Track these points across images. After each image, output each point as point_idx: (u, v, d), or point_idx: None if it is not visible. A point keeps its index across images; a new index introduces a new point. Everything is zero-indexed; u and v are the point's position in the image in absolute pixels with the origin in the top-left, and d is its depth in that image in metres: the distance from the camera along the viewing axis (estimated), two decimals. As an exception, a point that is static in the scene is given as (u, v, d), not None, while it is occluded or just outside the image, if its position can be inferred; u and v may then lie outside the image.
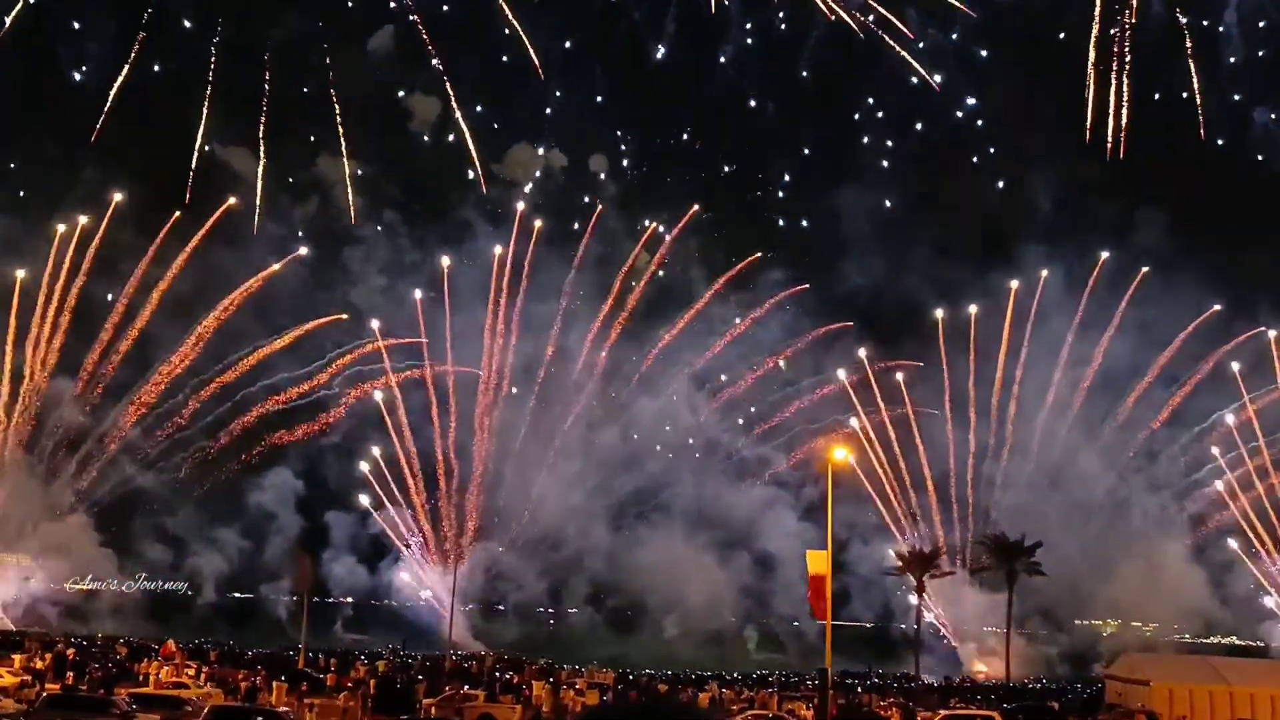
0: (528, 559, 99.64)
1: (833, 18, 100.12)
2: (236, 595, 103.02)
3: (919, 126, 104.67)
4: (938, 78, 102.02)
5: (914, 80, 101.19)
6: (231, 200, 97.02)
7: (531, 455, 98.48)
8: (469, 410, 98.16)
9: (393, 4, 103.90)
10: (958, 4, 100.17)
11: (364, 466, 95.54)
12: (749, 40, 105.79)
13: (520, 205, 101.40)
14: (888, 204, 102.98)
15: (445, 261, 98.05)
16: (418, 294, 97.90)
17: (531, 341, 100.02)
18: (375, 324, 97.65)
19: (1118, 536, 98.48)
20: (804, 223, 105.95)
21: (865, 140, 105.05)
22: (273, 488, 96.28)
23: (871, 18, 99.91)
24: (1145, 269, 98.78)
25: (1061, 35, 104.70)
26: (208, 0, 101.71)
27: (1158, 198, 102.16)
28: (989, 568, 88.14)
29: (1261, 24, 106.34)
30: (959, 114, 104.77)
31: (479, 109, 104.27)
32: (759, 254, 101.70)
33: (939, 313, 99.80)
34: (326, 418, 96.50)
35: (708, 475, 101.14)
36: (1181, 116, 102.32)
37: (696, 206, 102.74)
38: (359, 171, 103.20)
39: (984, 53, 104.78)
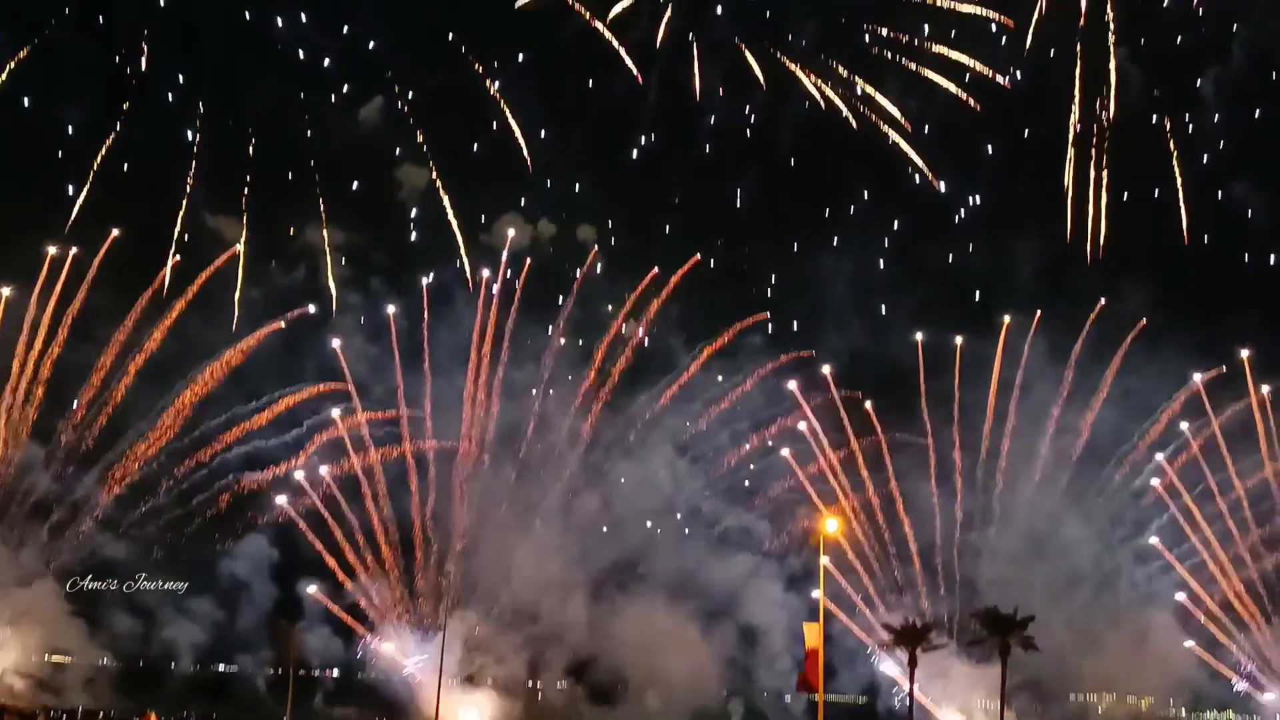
0: (506, 631, 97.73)
1: (821, 104, 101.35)
2: (213, 668, 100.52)
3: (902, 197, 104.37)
4: (943, 184, 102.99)
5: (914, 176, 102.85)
6: (211, 268, 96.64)
7: (511, 525, 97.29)
8: (448, 479, 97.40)
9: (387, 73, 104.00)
10: (964, 97, 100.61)
11: (339, 535, 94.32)
12: (731, 117, 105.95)
13: (498, 273, 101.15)
14: (871, 268, 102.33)
15: (390, 309, 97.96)
16: (396, 360, 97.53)
17: (512, 409, 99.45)
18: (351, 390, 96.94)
19: (1104, 607, 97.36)
20: (784, 288, 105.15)
21: (850, 210, 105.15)
22: (246, 556, 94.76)
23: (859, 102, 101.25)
24: (1143, 321, 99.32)
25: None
26: (195, 70, 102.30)
27: (1140, 270, 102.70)
28: (982, 641, 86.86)
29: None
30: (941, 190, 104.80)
31: (465, 180, 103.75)
32: (764, 314, 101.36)
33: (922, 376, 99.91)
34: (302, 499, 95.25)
35: (690, 544, 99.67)
36: (1163, 213, 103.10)
37: (697, 257, 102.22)
38: (344, 240, 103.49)
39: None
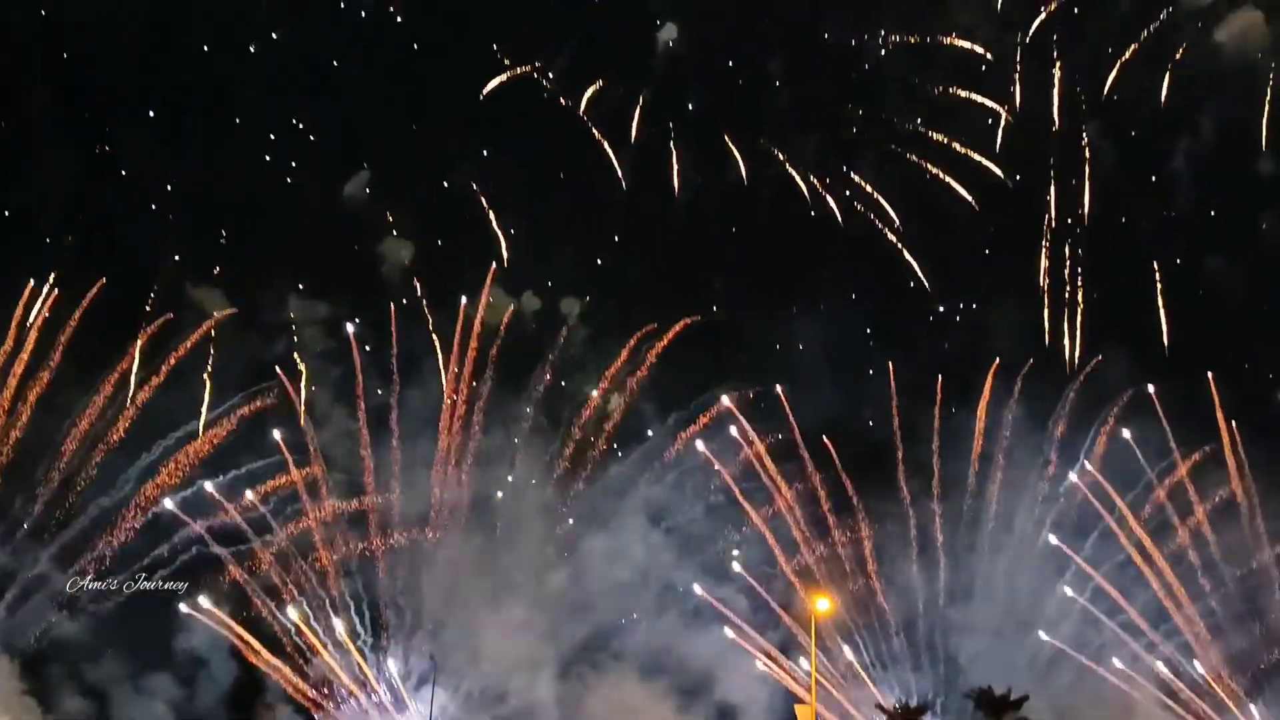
0: (475, 711, 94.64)
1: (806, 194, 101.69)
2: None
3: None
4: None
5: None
6: (181, 349, 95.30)
7: (479, 601, 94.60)
8: (415, 556, 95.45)
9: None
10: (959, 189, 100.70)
11: (293, 614, 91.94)
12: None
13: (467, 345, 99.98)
14: (845, 335, 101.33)
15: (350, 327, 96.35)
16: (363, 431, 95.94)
17: (482, 483, 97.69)
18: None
19: (1088, 685, 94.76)
20: (756, 353, 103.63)
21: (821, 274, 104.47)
22: (204, 632, 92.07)
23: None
24: (1152, 386, 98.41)
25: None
26: (168, 138, 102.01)
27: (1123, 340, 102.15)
28: None
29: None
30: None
31: (444, 254, 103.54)
32: (778, 385, 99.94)
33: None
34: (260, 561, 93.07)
35: (665, 620, 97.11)
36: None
37: (685, 320, 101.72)
38: (324, 314, 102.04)
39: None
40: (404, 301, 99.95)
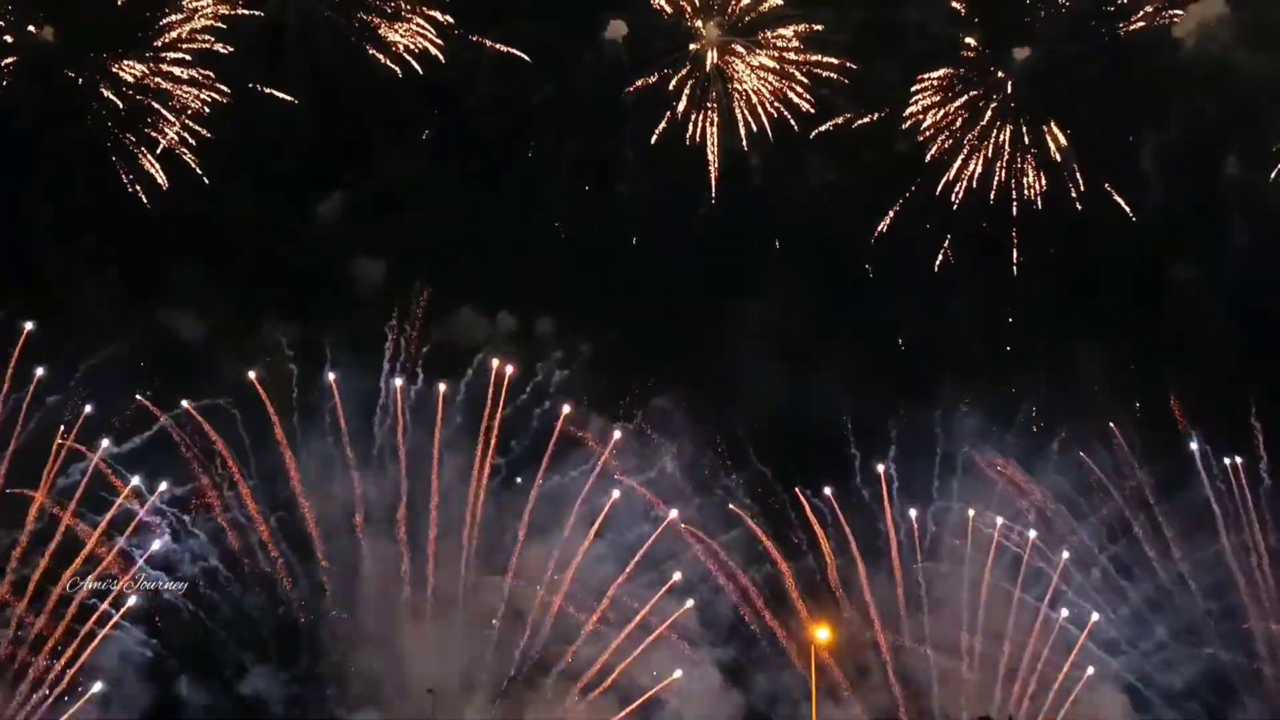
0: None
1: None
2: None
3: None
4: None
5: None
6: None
7: (408, 619, 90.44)
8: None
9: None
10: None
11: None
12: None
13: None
14: (793, 329, 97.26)
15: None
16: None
17: (414, 492, 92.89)
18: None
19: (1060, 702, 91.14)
20: (697, 350, 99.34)
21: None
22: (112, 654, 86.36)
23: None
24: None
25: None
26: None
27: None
28: None
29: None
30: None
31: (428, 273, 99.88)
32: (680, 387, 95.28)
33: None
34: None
35: (609, 636, 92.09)
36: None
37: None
38: (300, 335, 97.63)
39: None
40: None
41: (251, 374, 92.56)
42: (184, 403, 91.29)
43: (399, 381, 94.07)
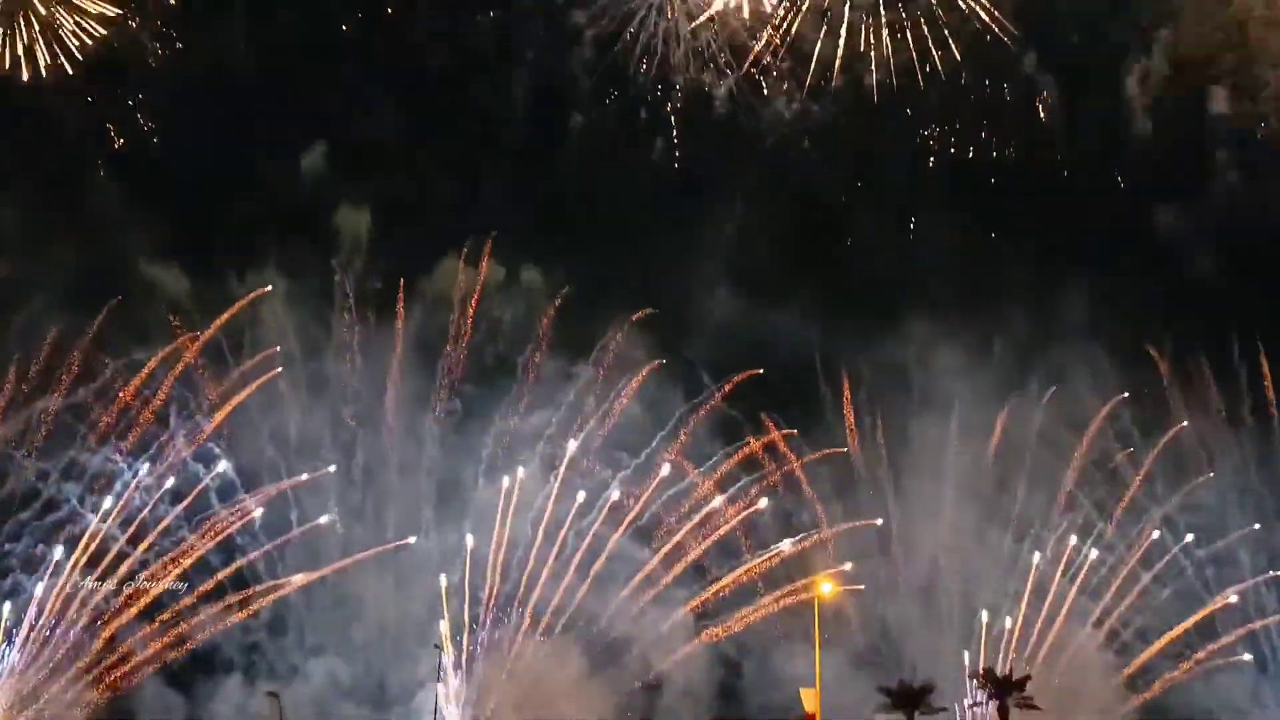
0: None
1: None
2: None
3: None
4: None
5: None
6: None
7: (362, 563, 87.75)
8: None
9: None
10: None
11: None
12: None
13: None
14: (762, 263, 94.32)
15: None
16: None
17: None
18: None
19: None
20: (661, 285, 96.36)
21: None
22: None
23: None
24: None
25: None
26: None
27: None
28: (981, 704, 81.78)
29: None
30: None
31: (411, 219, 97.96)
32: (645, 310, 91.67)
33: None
34: None
35: (574, 580, 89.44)
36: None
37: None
38: (286, 289, 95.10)
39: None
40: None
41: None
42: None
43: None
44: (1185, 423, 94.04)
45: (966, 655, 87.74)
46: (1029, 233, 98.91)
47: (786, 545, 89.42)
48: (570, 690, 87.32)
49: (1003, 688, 77.85)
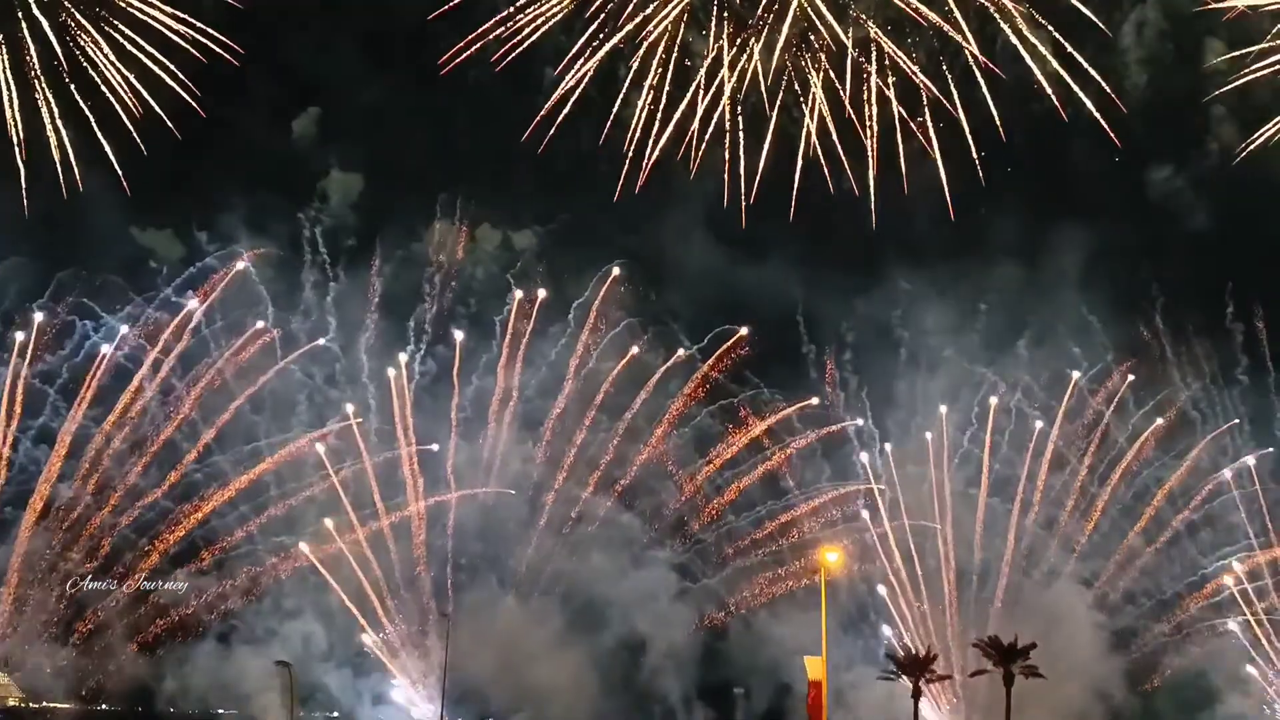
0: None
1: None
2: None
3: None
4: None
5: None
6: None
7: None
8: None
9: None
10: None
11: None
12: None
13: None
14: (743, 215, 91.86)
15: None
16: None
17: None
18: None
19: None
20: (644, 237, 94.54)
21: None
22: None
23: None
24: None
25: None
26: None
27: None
28: (985, 671, 79.40)
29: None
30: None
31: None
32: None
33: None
34: None
35: (549, 542, 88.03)
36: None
37: None
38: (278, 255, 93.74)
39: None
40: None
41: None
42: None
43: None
44: (1181, 391, 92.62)
45: (949, 617, 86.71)
46: (1020, 187, 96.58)
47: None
48: (549, 652, 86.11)
49: (1006, 655, 76.19)
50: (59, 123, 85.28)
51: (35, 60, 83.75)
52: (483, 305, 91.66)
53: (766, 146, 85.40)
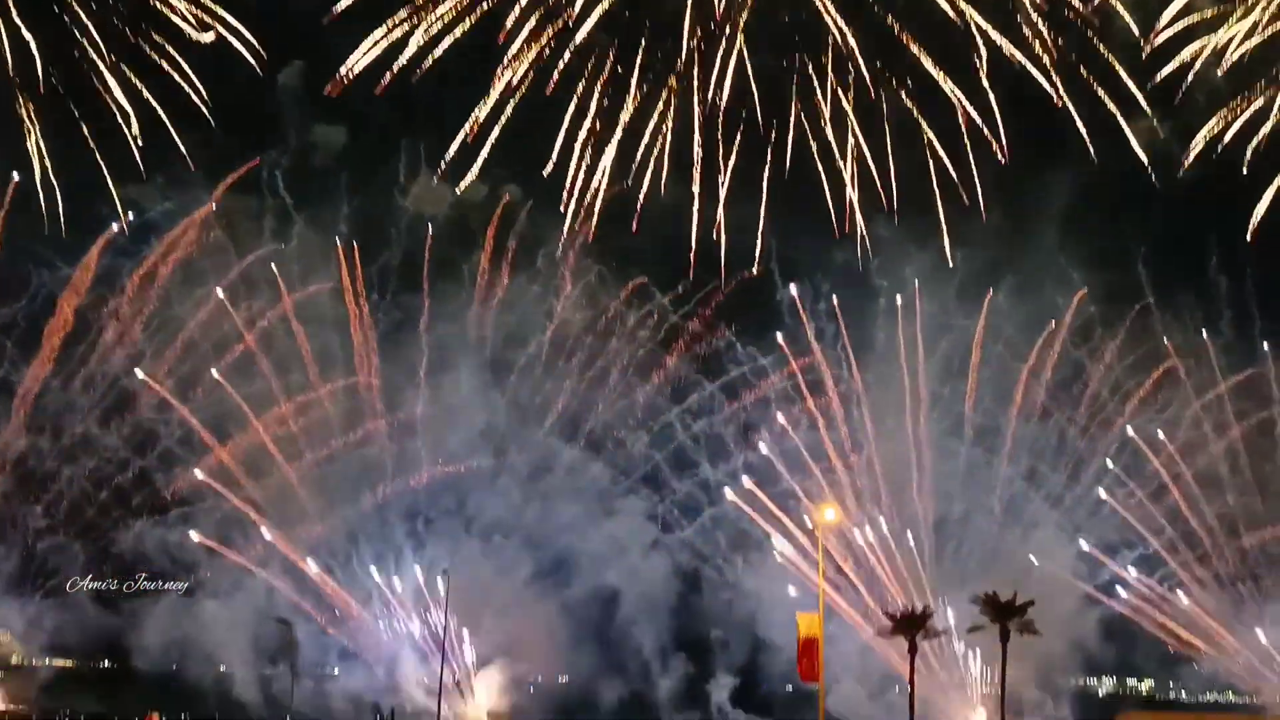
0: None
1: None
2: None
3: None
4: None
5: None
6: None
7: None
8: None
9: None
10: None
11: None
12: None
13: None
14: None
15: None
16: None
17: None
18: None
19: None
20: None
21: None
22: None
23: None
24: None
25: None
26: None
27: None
28: (982, 627, 78.89)
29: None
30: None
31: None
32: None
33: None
34: None
35: (518, 491, 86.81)
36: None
37: None
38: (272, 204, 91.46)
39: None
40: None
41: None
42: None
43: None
44: (1169, 355, 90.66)
45: (923, 569, 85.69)
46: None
47: None
48: (520, 600, 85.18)
49: (1004, 612, 75.72)
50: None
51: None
52: (451, 252, 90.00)
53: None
